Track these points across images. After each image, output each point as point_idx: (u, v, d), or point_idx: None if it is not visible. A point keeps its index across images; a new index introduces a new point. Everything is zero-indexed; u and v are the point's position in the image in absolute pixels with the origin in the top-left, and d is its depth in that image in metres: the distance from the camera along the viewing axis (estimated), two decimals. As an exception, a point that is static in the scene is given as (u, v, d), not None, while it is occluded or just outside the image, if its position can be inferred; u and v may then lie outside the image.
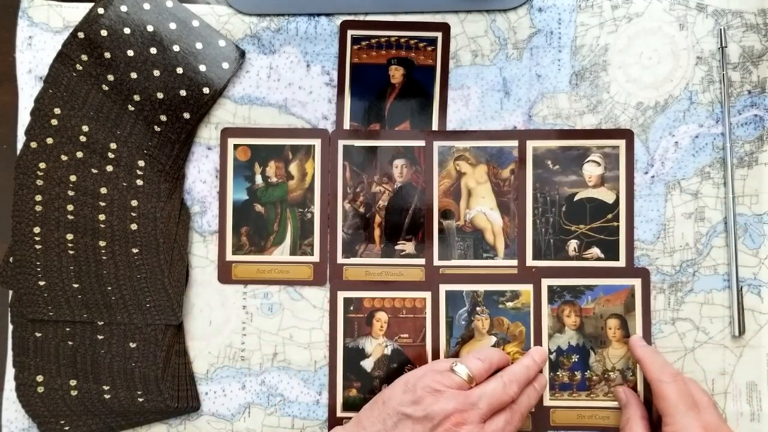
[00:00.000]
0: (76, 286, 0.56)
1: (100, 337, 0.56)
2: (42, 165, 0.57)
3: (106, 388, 0.56)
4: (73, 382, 0.56)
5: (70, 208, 0.56)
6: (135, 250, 0.57)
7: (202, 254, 0.58)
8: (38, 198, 0.57)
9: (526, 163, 0.58)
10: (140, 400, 0.56)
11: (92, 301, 0.56)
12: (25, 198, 0.57)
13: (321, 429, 0.58)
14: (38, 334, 0.56)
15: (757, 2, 0.57)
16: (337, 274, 0.58)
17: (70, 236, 0.56)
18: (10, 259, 0.57)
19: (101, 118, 0.57)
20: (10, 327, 0.57)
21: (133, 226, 0.57)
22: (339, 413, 0.57)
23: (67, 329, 0.57)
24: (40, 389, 0.56)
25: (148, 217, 0.57)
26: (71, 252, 0.56)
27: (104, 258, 0.57)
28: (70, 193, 0.57)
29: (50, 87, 0.57)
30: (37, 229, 0.56)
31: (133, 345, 0.56)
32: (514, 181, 0.58)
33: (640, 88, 0.58)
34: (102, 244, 0.57)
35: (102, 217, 0.57)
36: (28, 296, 0.56)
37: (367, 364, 0.57)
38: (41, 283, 0.56)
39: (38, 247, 0.56)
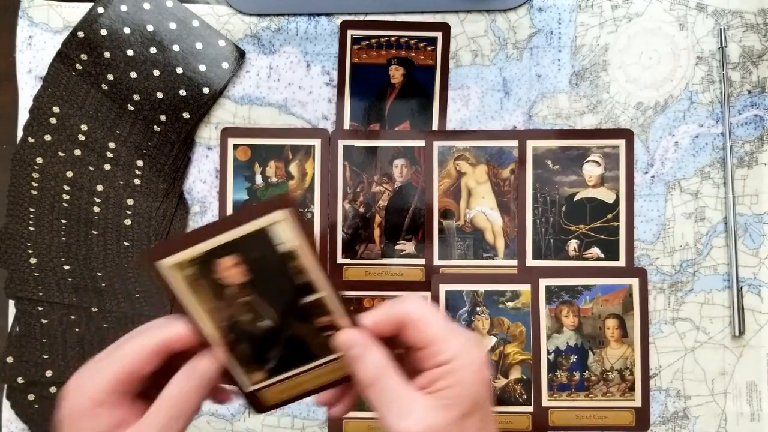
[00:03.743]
0: (66, 267, 0.57)
1: (105, 326, 0.57)
2: (39, 160, 0.57)
3: None
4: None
5: (65, 197, 0.57)
6: (126, 244, 0.57)
7: (202, 254, 0.58)
8: (34, 193, 0.57)
9: (526, 163, 0.58)
10: None
11: (82, 285, 0.57)
12: (20, 190, 0.57)
13: (321, 429, 0.58)
14: (44, 320, 0.56)
15: (757, 2, 0.57)
16: (337, 274, 0.58)
17: (63, 221, 0.57)
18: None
19: (100, 117, 0.57)
20: (10, 328, 0.57)
21: (127, 222, 0.57)
22: (339, 413, 0.57)
23: (72, 317, 0.57)
24: (31, 397, 0.56)
25: (143, 216, 0.57)
26: (63, 237, 0.57)
27: (95, 246, 0.57)
28: (66, 187, 0.57)
29: (49, 86, 0.57)
30: (32, 209, 0.57)
31: None
32: (514, 181, 0.58)
33: (640, 88, 0.58)
34: (95, 233, 0.57)
35: (96, 209, 0.57)
36: (18, 274, 0.57)
37: (367, 364, 0.57)
38: (32, 260, 0.57)
39: (32, 229, 0.57)
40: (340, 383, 0.42)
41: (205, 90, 0.57)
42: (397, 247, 0.58)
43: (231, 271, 0.37)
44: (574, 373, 0.57)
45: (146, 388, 0.36)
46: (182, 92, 0.57)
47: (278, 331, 0.38)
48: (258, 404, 0.40)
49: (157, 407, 0.35)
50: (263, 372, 0.39)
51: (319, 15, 0.58)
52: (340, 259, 0.58)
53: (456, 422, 0.34)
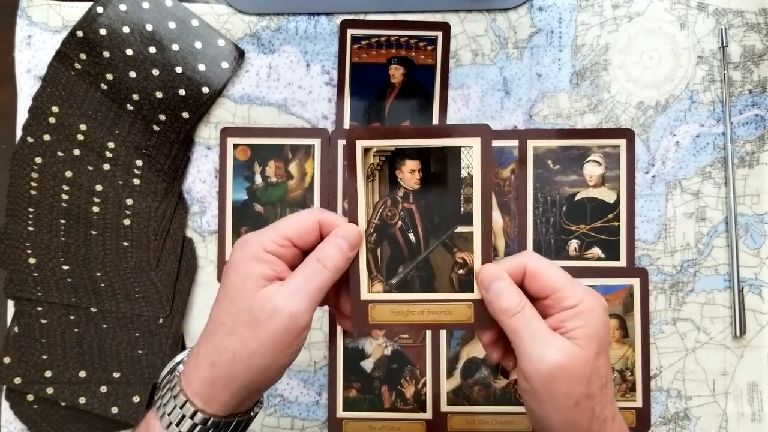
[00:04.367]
0: (65, 267, 0.56)
1: (104, 326, 0.57)
2: (38, 159, 0.57)
3: (116, 375, 0.56)
4: (82, 374, 0.56)
5: (64, 197, 0.57)
6: (126, 244, 0.57)
7: (202, 254, 0.58)
8: (33, 193, 0.57)
9: (527, 163, 0.57)
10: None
11: (81, 285, 0.56)
12: (19, 190, 0.57)
13: (321, 429, 0.57)
14: (44, 321, 0.56)
15: (758, 2, 0.57)
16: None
17: (62, 221, 0.57)
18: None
19: (99, 117, 0.57)
20: (8, 328, 0.57)
21: (126, 222, 0.57)
22: (339, 413, 0.57)
23: (72, 317, 0.57)
24: (30, 397, 0.56)
25: (142, 216, 0.57)
26: (63, 237, 0.57)
27: (94, 246, 0.57)
28: (65, 187, 0.57)
29: (49, 85, 0.57)
30: (30, 209, 0.57)
31: (137, 334, 0.56)
32: (515, 180, 0.58)
33: (640, 88, 0.58)
34: (94, 233, 0.57)
35: (96, 209, 0.57)
36: (18, 274, 0.56)
37: (367, 365, 0.57)
38: (31, 260, 0.56)
39: (31, 229, 0.57)
40: (443, 327, 0.47)
41: (205, 89, 0.57)
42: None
43: (410, 174, 0.40)
44: (575, 373, 0.57)
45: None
46: (182, 92, 0.57)
47: (418, 249, 0.41)
48: (364, 318, 0.41)
49: (303, 263, 0.39)
50: (384, 285, 0.41)
51: (318, 14, 0.58)
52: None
53: (590, 361, 0.37)
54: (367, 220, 0.40)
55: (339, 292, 0.41)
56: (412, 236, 0.41)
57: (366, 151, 0.40)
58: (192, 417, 0.38)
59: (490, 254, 0.40)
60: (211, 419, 0.38)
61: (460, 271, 0.41)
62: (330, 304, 0.43)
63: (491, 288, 0.39)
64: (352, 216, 0.40)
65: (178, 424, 0.38)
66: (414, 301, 0.41)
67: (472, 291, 0.41)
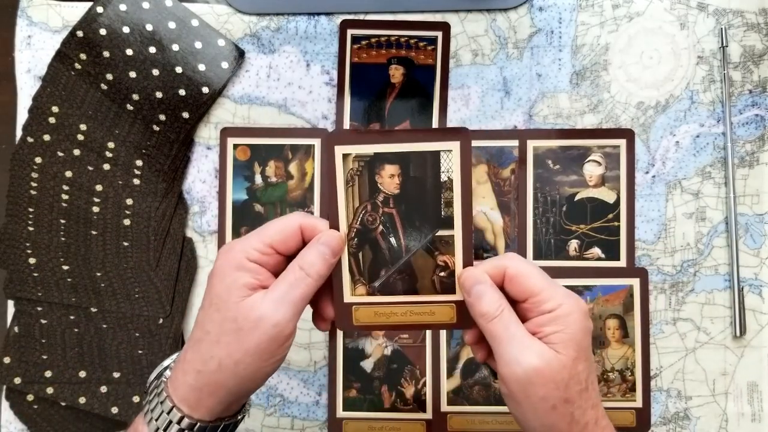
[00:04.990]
0: (65, 267, 0.56)
1: (104, 326, 0.57)
2: (38, 159, 0.57)
3: (116, 375, 0.56)
4: (82, 374, 0.56)
5: (64, 197, 0.57)
6: (126, 244, 0.57)
7: (202, 254, 0.58)
8: (33, 193, 0.57)
9: (527, 163, 0.57)
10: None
11: (81, 285, 0.56)
12: (19, 190, 0.57)
13: (321, 429, 0.57)
14: (44, 321, 0.56)
15: (758, 2, 0.57)
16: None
17: (62, 221, 0.57)
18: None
19: (99, 117, 0.57)
20: (8, 328, 0.57)
21: (126, 222, 0.57)
22: (339, 413, 0.57)
23: (72, 317, 0.57)
24: (30, 397, 0.56)
25: (142, 216, 0.57)
26: (63, 237, 0.57)
27: (94, 246, 0.57)
28: (65, 187, 0.57)
29: (49, 85, 0.57)
30: (30, 209, 0.57)
31: (137, 334, 0.56)
32: (515, 180, 0.58)
33: (640, 88, 0.58)
34: (94, 232, 0.57)
35: (96, 209, 0.57)
36: (18, 274, 0.56)
37: (367, 365, 0.57)
38: (31, 260, 0.56)
39: (31, 229, 0.57)
40: (426, 328, 0.47)
41: (205, 89, 0.57)
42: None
43: (390, 179, 0.40)
44: (575, 373, 0.57)
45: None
46: (181, 92, 0.57)
47: (400, 252, 0.41)
48: (348, 320, 0.42)
49: (285, 271, 0.39)
50: (366, 288, 0.41)
51: (318, 14, 0.58)
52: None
53: (567, 366, 0.37)
54: (348, 224, 0.41)
55: (318, 294, 0.41)
56: (393, 240, 0.41)
57: (345, 156, 0.40)
58: (179, 422, 0.38)
59: (471, 257, 0.40)
60: (198, 424, 0.38)
61: (442, 274, 0.41)
62: (309, 304, 0.43)
63: (472, 291, 0.39)
64: (333, 221, 0.40)
65: (165, 430, 0.38)
66: (397, 302, 0.41)
67: (454, 293, 0.41)
